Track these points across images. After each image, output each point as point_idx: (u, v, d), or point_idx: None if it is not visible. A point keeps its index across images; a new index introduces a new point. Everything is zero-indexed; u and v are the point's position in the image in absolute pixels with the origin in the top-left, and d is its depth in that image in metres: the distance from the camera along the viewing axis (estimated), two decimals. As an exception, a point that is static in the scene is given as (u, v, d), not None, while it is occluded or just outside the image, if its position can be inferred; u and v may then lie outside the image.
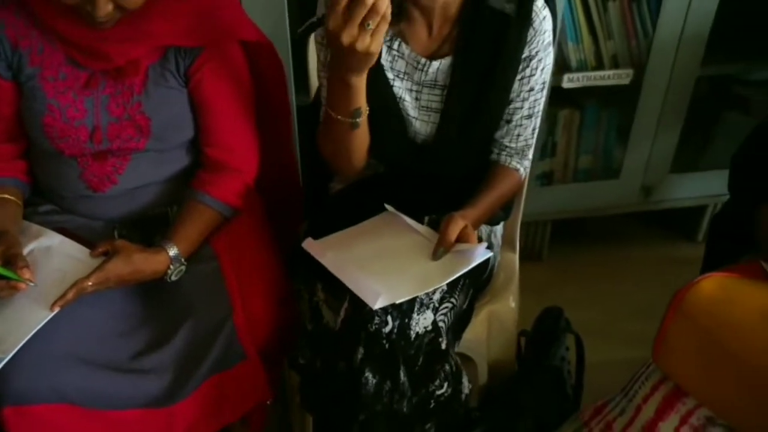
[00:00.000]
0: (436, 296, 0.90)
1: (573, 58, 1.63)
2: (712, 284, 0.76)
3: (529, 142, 1.07)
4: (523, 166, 1.09)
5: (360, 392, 0.83)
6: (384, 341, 0.83)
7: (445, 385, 0.90)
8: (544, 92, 1.03)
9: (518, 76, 0.98)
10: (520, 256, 1.88)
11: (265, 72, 1.04)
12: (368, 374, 0.83)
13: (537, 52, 0.97)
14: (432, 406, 0.90)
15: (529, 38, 0.95)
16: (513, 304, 1.15)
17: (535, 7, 0.94)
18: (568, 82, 1.61)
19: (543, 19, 0.95)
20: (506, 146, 1.07)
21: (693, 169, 1.82)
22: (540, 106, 1.04)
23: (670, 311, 0.77)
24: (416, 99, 1.00)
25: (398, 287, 0.83)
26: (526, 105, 1.01)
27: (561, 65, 1.63)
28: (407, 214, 0.97)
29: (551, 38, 0.99)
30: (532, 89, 1.00)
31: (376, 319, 0.83)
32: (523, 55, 0.96)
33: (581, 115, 1.76)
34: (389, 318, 0.83)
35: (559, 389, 1.15)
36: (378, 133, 0.98)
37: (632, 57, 1.65)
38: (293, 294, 1.02)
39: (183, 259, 0.92)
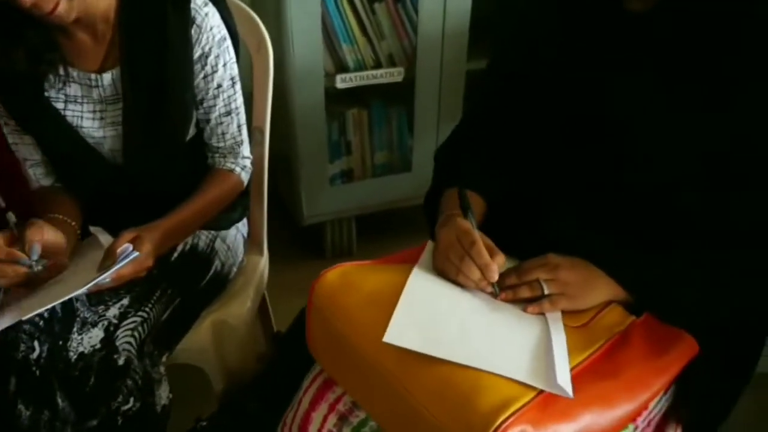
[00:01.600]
0: (112, 312, 0.90)
1: (349, 59, 1.67)
2: (336, 274, 0.80)
3: (238, 139, 1.08)
4: (239, 165, 1.10)
5: (16, 426, 0.81)
6: (34, 368, 0.82)
7: (131, 400, 0.90)
8: (237, 87, 1.04)
9: (200, 75, 0.99)
10: (330, 254, 1.96)
11: None
12: (21, 406, 0.82)
13: (210, 49, 0.97)
14: (121, 422, 0.90)
15: (195, 36, 0.96)
16: (248, 305, 1.16)
17: (193, 5, 0.94)
18: (342, 82, 1.65)
19: (206, 16, 0.96)
20: (216, 147, 1.08)
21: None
22: (237, 102, 1.05)
23: (308, 303, 0.81)
24: (101, 118, 0.98)
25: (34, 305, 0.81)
26: (220, 102, 1.02)
27: (337, 66, 1.67)
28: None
29: (225, 33, 0.99)
30: (219, 86, 1.01)
31: (22, 347, 0.82)
32: (196, 55, 0.97)
33: (369, 113, 1.81)
34: (36, 343, 0.83)
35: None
36: (73, 169, 0.97)
37: (406, 55, 1.71)
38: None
39: None
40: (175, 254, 1.04)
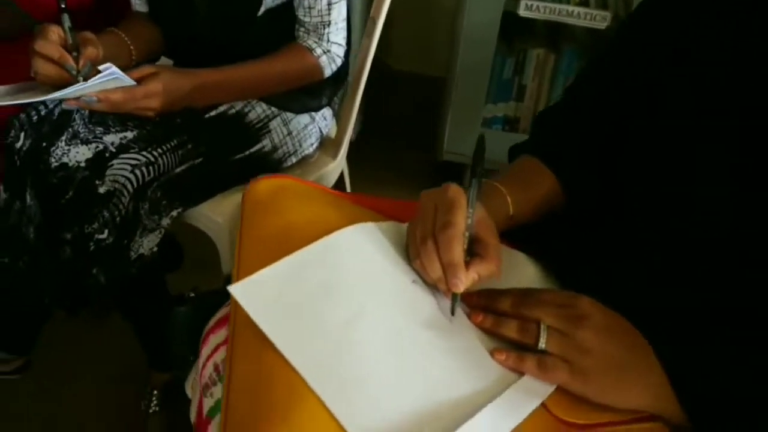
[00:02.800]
0: (110, 139, 0.87)
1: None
2: (270, 184, 0.63)
3: (326, 18, 0.96)
4: (321, 48, 0.98)
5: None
6: (15, 157, 0.83)
7: (106, 232, 0.88)
8: None
9: None
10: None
11: None
12: (1, 186, 0.84)
13: None
14: (92, 248, 0.89)
15: None
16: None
17: None
18: (526, 9, 1.37)
19: None
20: (302, 21, 0.97)
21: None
22: None
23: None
24: None
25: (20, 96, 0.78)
26: None
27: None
28: None
29: None
30: None
31: (12, 132, 0.83)
32: None
33: (557, 59, 1.50)
34: (22, 135, 0.83)
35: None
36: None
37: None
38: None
39: None
40: (213, 112, 0.97)
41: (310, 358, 0.47)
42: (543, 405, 0.50)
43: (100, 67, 0.78)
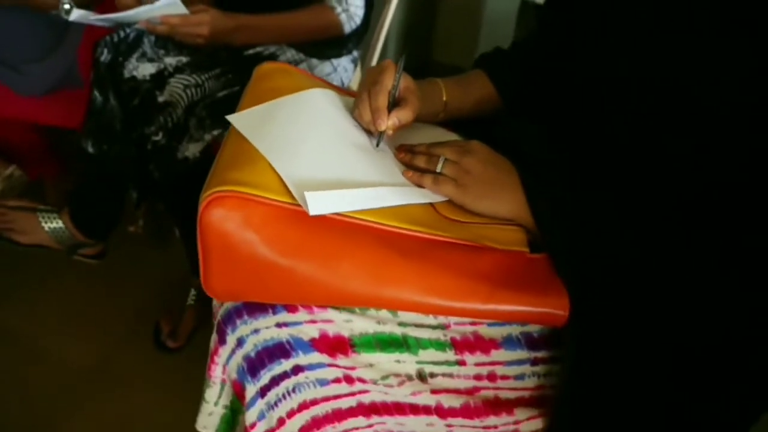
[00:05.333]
0: (169, 60, 1.13)
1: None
2: (275, 66, 0.85)
3: None
4: (341, 6, 1.20)
5: (92, 105, 1.13)
6: (101, 67, 1.11)
7: (161, 134, 1.14)
8: None
9: None
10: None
11: None
12: (96, 92, 1.12)
13: None
14: (150, 148, 1.15)
15: None
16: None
17: None
18: (541, -5, 1.55)
19: None
20: None
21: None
22: None
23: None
24: None
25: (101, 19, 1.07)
26: None
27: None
28: None
29: None
30: None
31: (99, 48, 1.10)
32: None
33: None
34: (105, 50, 1.10)
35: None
36: None
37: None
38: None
39: None
40: (251, 51, 1.22)
41: (268, 144, 0.69)
42: (432, 206, 0.71)
43: None
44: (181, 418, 0.78)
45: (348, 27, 1.24)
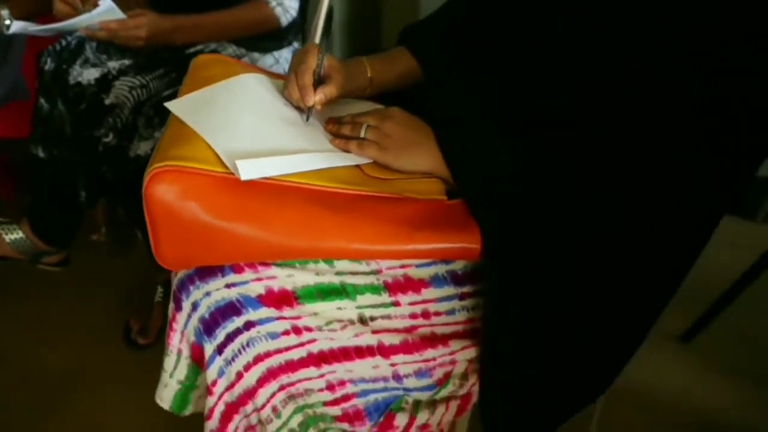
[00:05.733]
0: (112, 64, 1.18)
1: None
2: (209, 58, 0.92)
3: None
4: (276, 1, 1.27)
5: (38, 112, 1.17)
6: (46, 77, 1.16)
7: (111, 135, 1.19)
8: None
9: None
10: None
11: None
12: (41, 99, 1.17)
13: None
14: (101, 150, 1.20)
15: None
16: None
17: None
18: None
19: None
20: None
21: None
22: None
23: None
24: None
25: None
26: None
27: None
28: None
29: None
30: None
31: (43, 57, 1.15)
32: None
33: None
34: (49, 59, 1.15)
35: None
36: None
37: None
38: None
39: None
40: (191, 49, 1.28)
41: (204, 124, 0.76)
42: (359, 167, 0.78)
43: (99, 2, 1.10)
44: (159, 410, 0.85)
45: (284, 20, 1.31)
